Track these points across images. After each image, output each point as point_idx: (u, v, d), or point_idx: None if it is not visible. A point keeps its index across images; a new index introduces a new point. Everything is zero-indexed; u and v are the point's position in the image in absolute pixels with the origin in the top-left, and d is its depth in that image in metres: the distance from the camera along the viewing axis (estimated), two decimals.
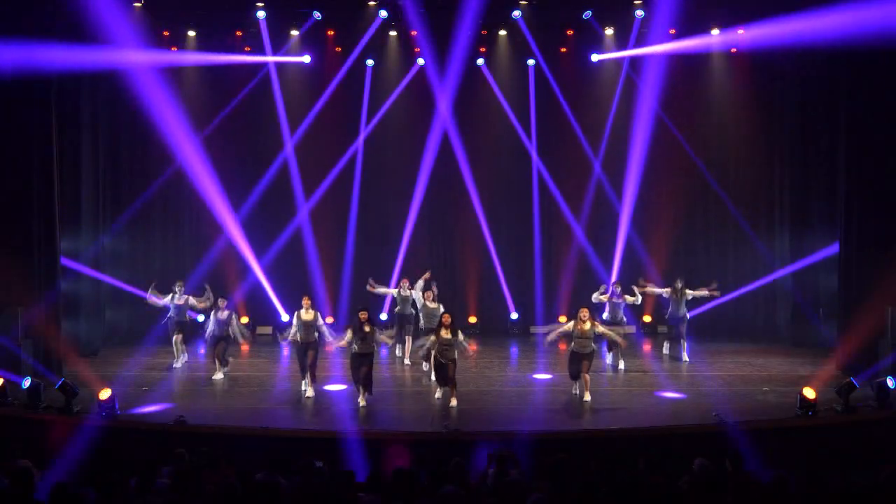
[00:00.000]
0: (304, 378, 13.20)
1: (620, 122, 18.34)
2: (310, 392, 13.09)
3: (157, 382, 14.05)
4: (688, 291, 15.45)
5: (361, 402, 12.58)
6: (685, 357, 15.52)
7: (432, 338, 12.76)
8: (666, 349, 15.85)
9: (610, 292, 15.22)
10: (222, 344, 14.26)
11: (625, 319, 15.40)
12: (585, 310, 13.03)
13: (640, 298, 15.32)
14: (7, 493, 6.87)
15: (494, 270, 18.82)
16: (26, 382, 12.21)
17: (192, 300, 15.09)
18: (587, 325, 12.84)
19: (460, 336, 12.71)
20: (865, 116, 14.13)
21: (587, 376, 12.94)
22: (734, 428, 10.92)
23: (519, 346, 17.50)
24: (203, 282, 15.71)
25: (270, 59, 17.91)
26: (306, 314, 13.23)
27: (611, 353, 15.21)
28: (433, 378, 13.36)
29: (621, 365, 15.08)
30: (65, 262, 14.89)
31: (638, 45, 17.68)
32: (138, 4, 16.59)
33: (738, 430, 10.90)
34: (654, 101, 17.93)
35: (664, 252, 18.46)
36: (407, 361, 15.44)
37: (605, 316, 15.15)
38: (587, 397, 12.90)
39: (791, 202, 17.22)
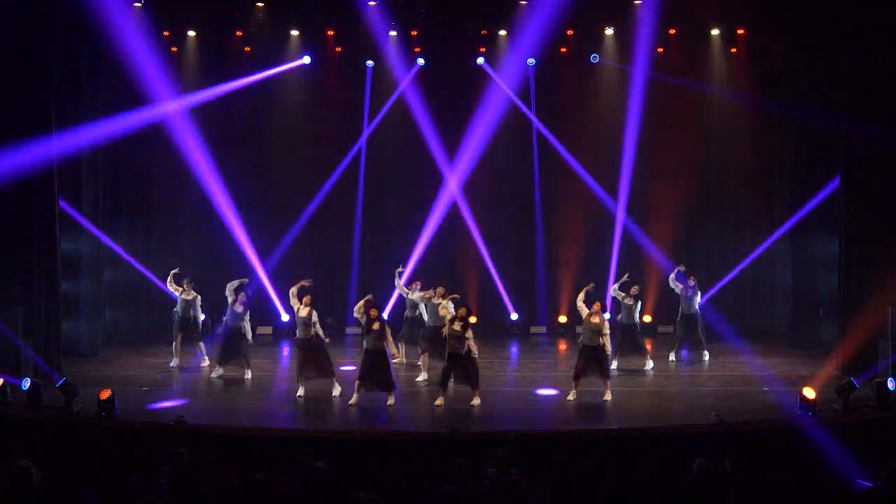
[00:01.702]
0: (300, 381, 13.15)
1: (620, 120, 18.33)
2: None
3: (156, 382, 14.06)
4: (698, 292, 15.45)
5: (352, 401, 12.56)
6: (704, 356, 15.51)
7: (444, 329, 12.77)
8: (672, 357, 15.58)
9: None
10: (243, 344, 14.25)
11: (638, 321, 15.26)
12: (598, 304, 13.10)
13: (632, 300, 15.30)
14: (7, 493, 6.87)
15: (495, 270, 18.81)
16: (26, 382, 12.21)
17: (199, 300, 15.11)
18: (596, 319, 12.87)
19: (469, 336, 12.65)
20: (866, 113, 14.13)
21: (608, 381, 12.94)
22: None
23: (519, 346, 17.50)
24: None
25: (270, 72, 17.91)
26: (303, 310, 13.22)
27: (614, 353, 15.21)
28: (433, 383, 13.28)
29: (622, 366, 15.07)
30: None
31: (638, 45, 17.71)
32: (138, 4, 16.60)
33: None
34: (654, 101, 17.96)
35: (663, 251, 18.45)
36: (403, 360, 15.41)
37: (619, 317, 15.08)
38: (607, 396, 12.86)
39: (791, 202, 17.19)
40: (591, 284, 13.63)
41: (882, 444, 10.72)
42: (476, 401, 12.55)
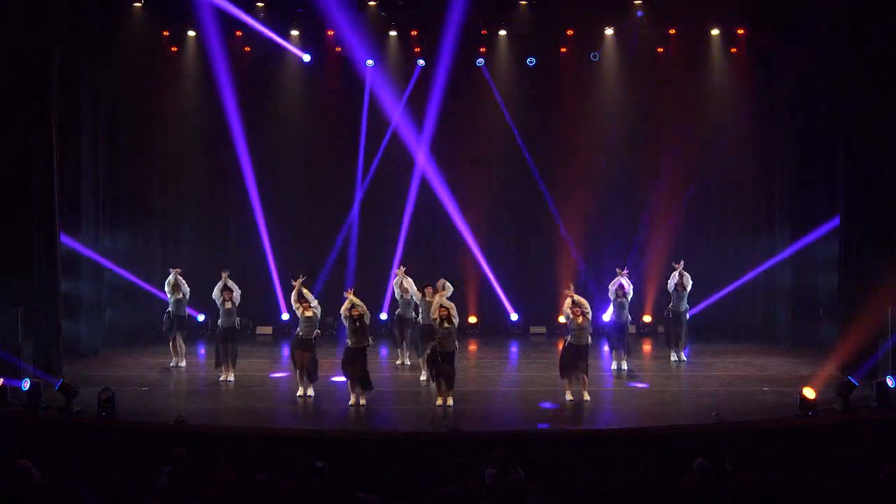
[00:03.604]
0: (300, 382, 13.12)
1: (620, 121, 18.37)
2: (310, 391, 13.07)
3: (156, 382, 14.05)
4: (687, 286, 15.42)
5: (352, 401, 12.55)
6: (683, 356, 15.50)
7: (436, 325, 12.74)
8: (674, 357, 15.56)
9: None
10: (231, 344, 14.22)
11: (629, 318, 15.28)
12: (570, 287, 13.21)
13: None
14: (7, 493, 6.86)
15: (494, 271, 18.78)
16: (26, 383, 12.19)
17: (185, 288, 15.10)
18: (580, 319, 12.88)
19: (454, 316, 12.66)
20: (866, 115, 14.13)
21: (585, 377, 12.92)
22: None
23: (519, 346, 17.49)
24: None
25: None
26: (307, 310, 13.19)
27: (612, 353, 15.21)
28: (433, 383, 13.26)
29: (624, 365, 15.04)
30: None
31: (638, 44, 17.74)
32: (138, 4, 16.61)
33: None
34: (653, 101, 18.00)
35: (664, 251, 18.45)
36: (407, 362, 15.43)
37: (606, 317, 15.06)
38: (586, 396, 12.87)
39: (791, 202, 17.19)
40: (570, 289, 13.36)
41: (882, 444, 10.71)
42: (449, 401, 12.52)
